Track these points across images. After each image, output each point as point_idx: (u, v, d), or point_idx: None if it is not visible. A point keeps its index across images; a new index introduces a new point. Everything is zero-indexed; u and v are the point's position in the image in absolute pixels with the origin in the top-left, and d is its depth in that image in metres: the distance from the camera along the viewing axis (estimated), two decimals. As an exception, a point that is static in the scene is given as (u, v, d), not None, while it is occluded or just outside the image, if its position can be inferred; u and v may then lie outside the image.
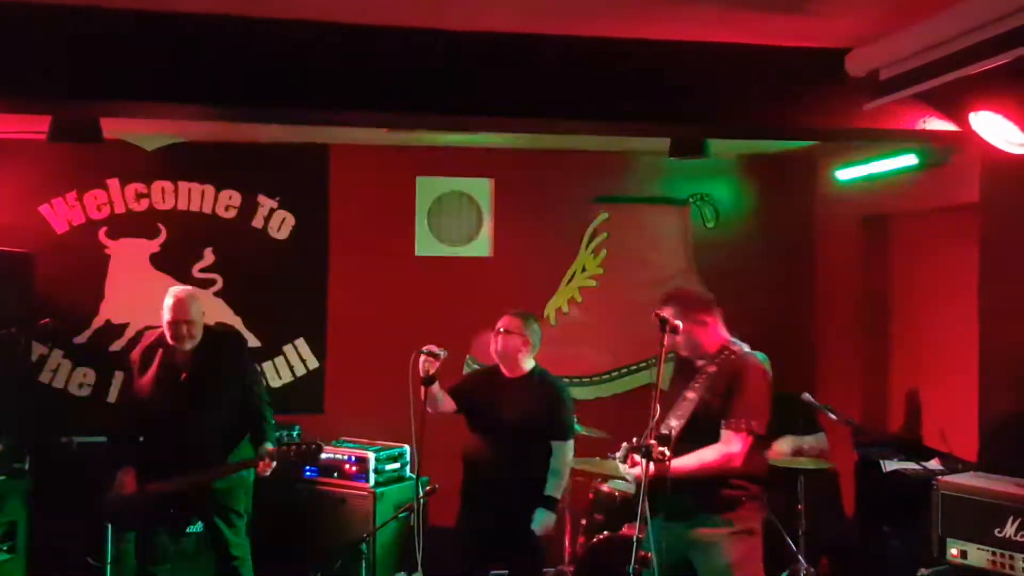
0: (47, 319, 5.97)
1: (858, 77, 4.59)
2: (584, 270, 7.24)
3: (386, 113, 4.62)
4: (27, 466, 5.84)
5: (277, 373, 6.85)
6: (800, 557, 5.45)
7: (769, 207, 7.40)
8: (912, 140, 5.40)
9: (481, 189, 7.11)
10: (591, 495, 5.94)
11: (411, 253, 7.03)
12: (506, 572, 5.12)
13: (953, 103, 4.50)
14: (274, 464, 5.00)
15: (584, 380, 7.22)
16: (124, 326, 6.61)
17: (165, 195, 6.73)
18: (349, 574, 5.95)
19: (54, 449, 6.10)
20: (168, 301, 5.08)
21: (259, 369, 5.78)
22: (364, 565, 5.88)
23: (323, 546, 6.09)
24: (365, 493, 6.10)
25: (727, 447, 4.02)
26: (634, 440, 3.97)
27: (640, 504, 3.81)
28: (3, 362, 5.79)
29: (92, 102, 4.45)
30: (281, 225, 6.86)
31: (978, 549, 4.06)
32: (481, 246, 7.12)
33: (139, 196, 6.69)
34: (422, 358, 4.77)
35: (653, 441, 3.84)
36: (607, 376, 7.24)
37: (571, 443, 5.01)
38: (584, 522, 5.89)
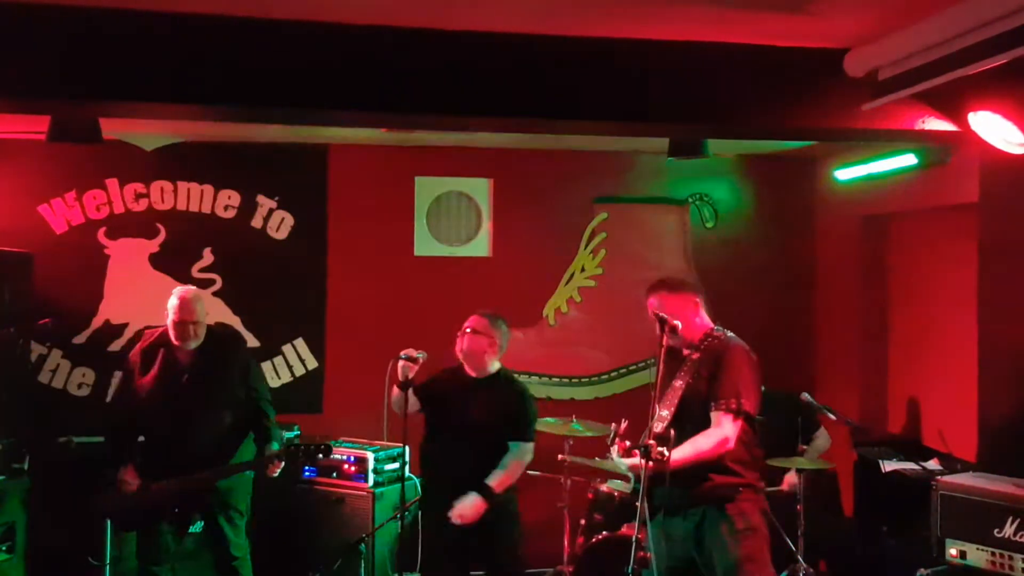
0: (46, 319, 5.98)
1: (857, 77, 4.60)
2: (583, 270, 7.24)
3: (385, 113, 4.62)
4: (26, 466, 5.84)
5: (276, 373, 6.84)
6: (799, 557, 5.45)
7: (768, 207, 7.40)
8: (911, 140, 5.40)
9: (480, 189, 7.11)
10: (590, 495, 5.95)
11: (410, 253, 7.02)
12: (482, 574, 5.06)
13: (952, 103, 4.51)
14: (283, 464, 5.00)
15: (583, 380, 7.23)
16: (123, 326, 6.61)
17: (164, 195, 6.72)
18: (348, 574, 5.96)
19: (53, 449, 6.09)
20: (173, 301, 5.08)
21: (261, 369, 5.78)
22: (363, 565, 5.88)
23: (322, 546, 6.10)
24: (364, 493, 6.10)
25: (719, 430, 4.02)
26: (623, 422, 3.99)
27: (639, 504, 3.82)
28: (2, 362, 5.79)
29: (91, 102, 4.45)
30: (280, 225, 6.86)
31: (977, 549, 4.07)
32: (480, 246, 7.12)
33: (138, 196, 6.68)
34: (400, 363, 4.79)
35: (652, 441, 3.84)
36: (606, 376, 7.25)
37: (529, 446, 4.92)
38: (583, 522, 5.90)
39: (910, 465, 5.59)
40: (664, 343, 4.06)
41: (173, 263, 6.67)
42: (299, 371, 6.88)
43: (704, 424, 4.05)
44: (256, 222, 6.82)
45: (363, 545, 5.81)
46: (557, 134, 5.91)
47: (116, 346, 6.59)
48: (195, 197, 6.76)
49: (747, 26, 4.30)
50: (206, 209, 6.77)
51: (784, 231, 7.40)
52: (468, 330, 4.95)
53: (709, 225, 7.35)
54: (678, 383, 4.17)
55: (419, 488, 5.43)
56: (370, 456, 6.14)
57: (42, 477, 5.93)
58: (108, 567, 5.88)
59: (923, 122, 4.73)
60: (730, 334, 4.27)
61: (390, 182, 7.00)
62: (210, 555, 5.24)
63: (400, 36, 4.35)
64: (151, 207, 6.70)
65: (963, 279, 5.47)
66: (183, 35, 4.21)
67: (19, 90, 4.19)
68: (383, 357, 4.90)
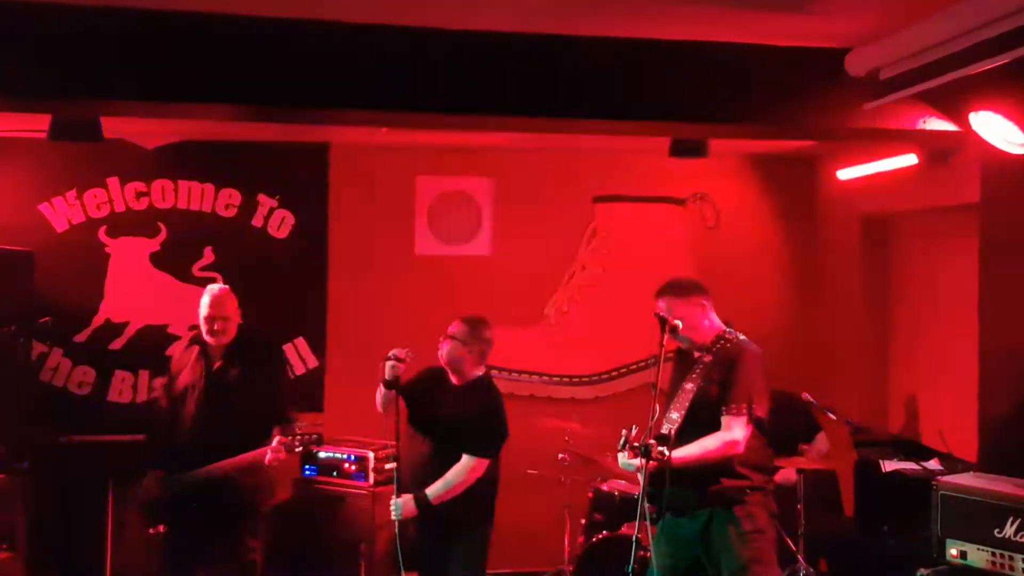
0: (47, 318, 5.98)
1: (858, 77, 4.60)
2: (584, 269, 7.24)
3: (385, 112, 4.62)
4: (26, 465, 5.84)
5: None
6: (799, 557, 5.45)
7: (769, 207, 7.40)
8: (912, 140, 5.40)
9: (481, 188, 7.11)
10: (590, 495, 5.95)
11: (411, 252, 7.03)
12: None
13: (953, 103, 4.51)
14: (281, 455, 4.97)
15: (583, 379, 7.23)
16: (124, 325, 6.61)
17: (165, 194, 6.72)
18: (348, 573, 5.96)
19: (54, 448, 6.09)
20: (205, 299, 5.15)
21: (287, 372, 5.78)
22: (363, 564, 5.88)
23: (322, 545, 6.10)
24: (364, 492, 6.10)
25: (729, 433, 4.02)
26: (633, 428, 3.94)
27: (639, 503, 3.82)
28: (3, 361, 5.79)
29: (92, 101, 4.45)
30: (281, 224, 6.86)
31: (977, 549, 4.06)
32: (481, 245, 7.12)
33: (139, 195, 6.68)
34: (388, 364, 4.76)
35: (652, 441, 3.84)
36: (606, 375, 7.25)
37: (476, 461, 4.68)
38: (584, 521, 5.90)
39: (910, 465, 5.58)
40: (664, 343, 4.06)
41: (174, 262, 6.68)
42: (299, 370, 6.88)
43: (714, 427, 4.05)
44: (257, 221, 6.83)
45: (363, 544, 5.81)
46: (556, 133, 5.90)
47: (117, 345, 6.60)
48: (196, 196, 6.76)
49: (748, 25, 4.30)
50: (207, 208, 6.77)
51: (785, 231, 7.40)
52: (447, 335, 4.87)
53: (710, 225, 7.35)
54: (689, 385, 4.17)
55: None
56: (370, 455, 6.14)
57: (43, 476, 5.92)
58: (109, 567, 5.89)
59: (924, 122, 4.74)
60: (742, 336, 4.26)
61: (391, 181, 7.00)
62: (223, 555, 5.21)
63: (400, 35, 4.36)
64: (152, 206, 6.70)
65: (964, 279, 5.47)
66: (183, 34, 4.21)
67: (20, 89, 4.19)
68: (384, 356, 4.90)
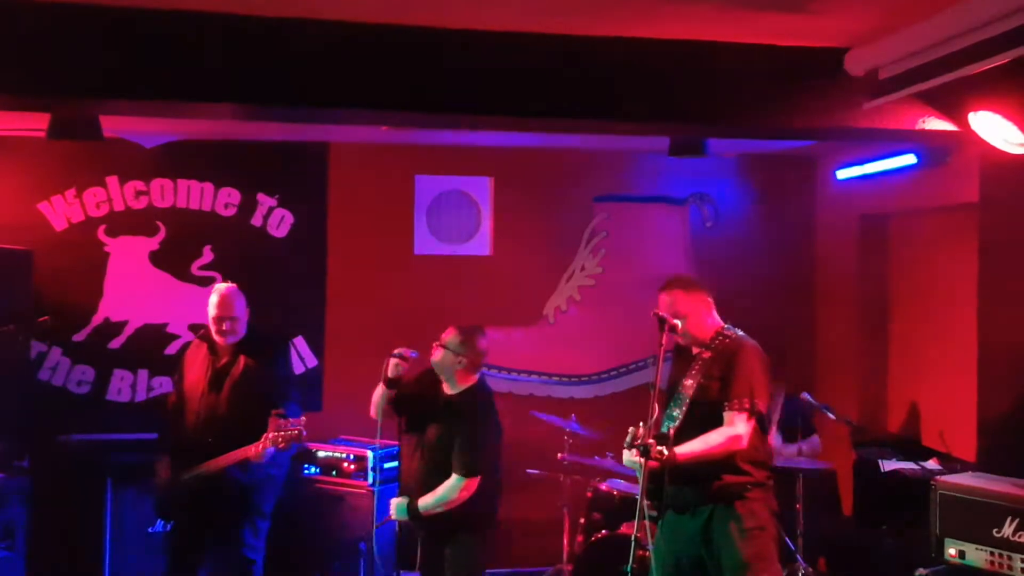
0: (46, 317, 5.97)
1: (857, 76, 4.59)
2: (583, 269, 7.25)
3: (384, 111, 4.62)
4: (26, 464, 5.84)
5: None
6: (798, 556, 5.45)
7: (768, 206, 7.40)
8: (911, 140, 5.40)
9: (480, 188, 7.11)
10: (589, 494, 5.95)
11: (410, 251, 7.03)
12: None
13: (952, 103, 4.50)
14: (266, 451, 4.96)
15: (583, 379, 7.23)
16: (123, 324, 6.61)
17: (164, 193, 6.72)
18: (348, 572, 5.96)
19: (53, 447, 6.09)
20: (213, 298, 5.16)
21: (293, 372, 5.76)
22: (363, 563, 5.88)
23: (322, 544, 6.10)
24: (364, 491, 6.11)
25: (732, 429, 4.01)
26: (640, 426, 3.92)
27: (639, 502, 3.82)
28: (2, 360, 5.78)
29: (91, 99, 4.45)
30: (280, 223, 6.86)
31: (976, 549, 4.06)
32: (480, 245, 7.12)
33: (138, 194, 6.68)
34: (392, 361, 4.74)
35: (652, 440, 3.84)
36: (606, 375, 7.25)
37: (467, 481, 4.57)
38: (583, 521, 5.90)
39: (909, 465, 5.59)
40: (664, 342, 4.06)
41: (173, 261, 6.67)
42: (299, 369, 6.87)
43: (715, 423, 4.05)
44: (256, 220, 6.82)
45: (363, 543, 5.81)
46: (554, 133, 5.90)
47: (116, 344, 6.60)
48: (195, 195, 6.76)
49: (747, 25, 4.30)
50: (206, 207, 6.77)
51: (784, 230, 7.39)
52: (439, 343, 4.78)
53: (709, 224, 7.35)
54: (688, 383, 4.17)
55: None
56: (370, 454, 6.14)
57: (42, 475, 5.92)
58: (108, 566, 5.89)
59: (923, 122, 4.73)
60: (740, 333, 4.26)
61: (390, 180, 7.00)
62: (223, 553, 5.21)
63: (400, 33, 4.35)
64: (151, 205, 6.70)
65: (963, 279, 5.47)
66: (184, 32, 4.21)
67: (19, 87, 4.19)
68: (383, 355, 4.90)
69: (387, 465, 6.20)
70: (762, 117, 4.78)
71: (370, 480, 6.13)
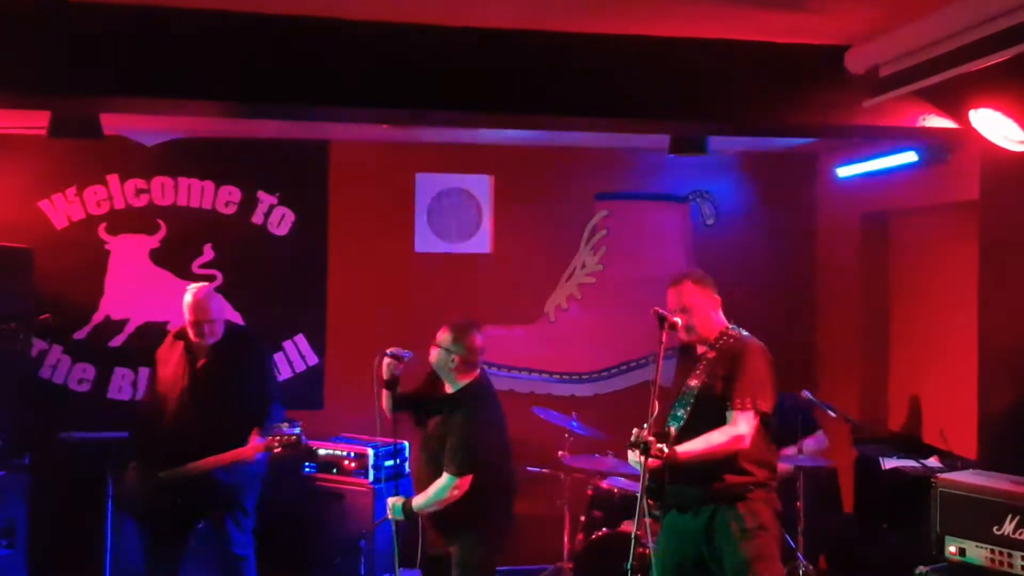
0: (47, 315, 5.97)
1: (858, 74, 4.59)
2: (584, 267, 7.24)
3: (384, 109, 4.62)
4: (27, 462, 5.84)
5: (277, 369, 6.84)
6: (799, 554, 5.45)
7: (769, 204, 7.39)
8: (912, 137, 5.40)
9: (481, 185, 7.11)
10: (590, 492, 5.95)
11: (411, 249, 7.02)
12: None
13: (953, 100, 4.50)
14: (257, 455, 4.96)
15: (584, 377, 7.23)
16: (124, 322, 6.62)
17: (165, 191, 6.72)
18: (348, 570, 5.97)
19: (54, 445, 6.10)
20: (187, 300, 5.12)
21: (274, 370, 5.75)
22: (363, 561, 5.88)
23: (323, 542, 6.10)
24: (364, 489, 6.11)
25: (735, 428, 4.00)
26: (644, 426, 3.90)
27: (639, 501, 3.81)
28: (3, 358, 5.79)
29: (92, 97, 4.45)
30: (281, 221, 6.86)
31: (976, 547, 4.06)
32: (481, 243, 7.11)
33: (139, 192, 6.68)
34: (386, 360, 4.71)
35: (652, 438, 3.84)
36: (606, 373, 7.25)
37: (457, 480, 4.52)
38: (583, 519, 5.90)
39: (910, 462, 5.59)
40: (664, 340, 4.05)
41: (174, 259, 6.67)
42: (299, 367, 6.89)
43: (719, 423, 4.04)
44: (257, 218, 6.83)
45: (363, 541, 5.81)
46: (555, 130, 5.90)
47: (117, 342, 6.60)
48: (196, 193, 6.76)
49: (748, 22, 4.30)
50: (207, 205, 6.77)
51: (785, 228, 7.39)
52: (434, 342, 4.74)
53: (710, 222, 7.35)
54: (693, 382, 4.16)
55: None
56: (370, 452, 6.15)
57: (43, 473, 5.93)
58: (108, 564, 5.89)
59: (924, 119, 4.73)
60: (745, 332, 4.25)
61: (391, 178, 7.00)
62: (213, 553, 5.23)
63: (400, 32, 4.35)
64: (152, 203, 6.70)
65: (964, 276, 5.47)
66: (184, 31, 4.21)
67: (20, 85, 4.20)
68: (376, 356, 4.89)
69: (387, 463, 6.21)
70: (763, 115, 4.77)
71: (371, 478, 6.13)
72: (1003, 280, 4.94)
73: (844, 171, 6.77)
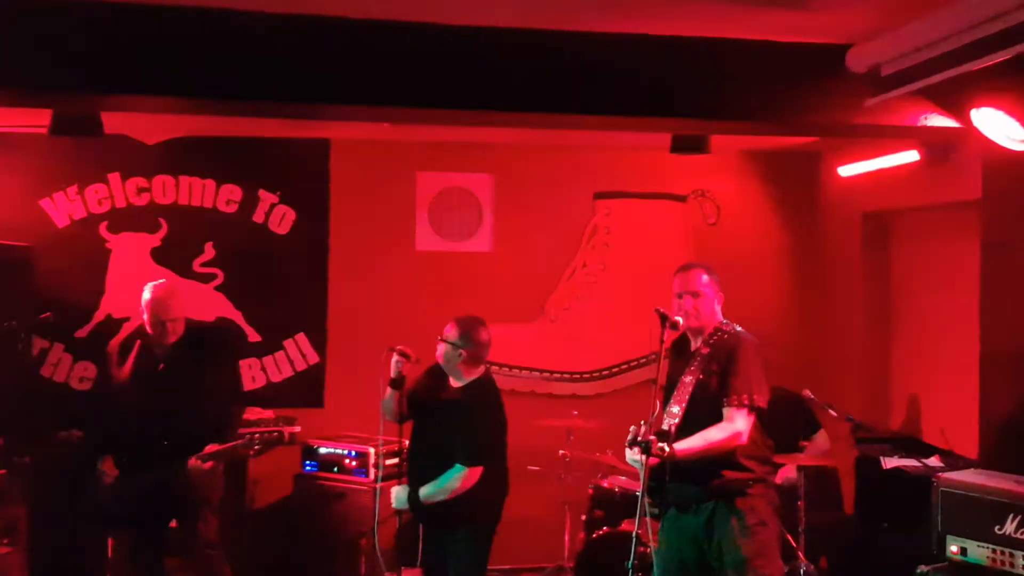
0: (48, 313, 5.97)
1: (859, 73, 4.59)
2: (585, 266, 7.24)
3: (385, 107, 4.62)
4: (27, 460, 5.84)
5: (277, 368, 6.85)
6: (800, 554, 5.45)
7: (770, 203, 7.39)
8: (914, 136, 5.40)
9: (482, 184, 7.11)
10: (590, 491, 5.95)
11: (412, 248, 7.03)
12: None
13: (955, 99, 4.50)
14: (209, 464, 4.92)
15: (585, 376, 7.23)
16: (125, 320, 6.60)
17: (166, 189, 6.72)
18: (349, 569, 5.97)
19: (55, 443, 6.10)
20: (145, 297, 5.03)
21: (236, 367, 5.66)
22: (364, 560, 5.88)
23: (324, 541, 6.10)
24: (365, 488, 6.11)
25: (732, 425, 4.00)
26: (642, 424, 3.91)
27: (640, 499, 3.81)
28: (4, 356, 5.79)
29: (93, 96, 4.45)
30: (282, 220, 6.86)
31: (978, 546, 4.05)
32: (482, 241, 7.11)
33: (140, 190, 6.69)
34: (394, 357, 4.76)
35: (653, 437, 3.84)
36: (607, 371, 7.25)
37: (468, 470, 4.60)
38: (584, 518, 5.90)
39: (911, 462, 5.57)
40: (665, 339, 4.05)
41: (175, 258, 6.67)
42: (300, 366, 6.89)
43: (715, 420, 4.03)
44: (258, 217, 6.83)
45: (364, 540, 5.81)
46: (557, 129, 5.90)
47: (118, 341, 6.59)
48: (197, 192, 6.76)
49: (750, 21, 4.30)
50: (208, 204, 6.77)
51: (786, 227, 7.39)
52: (440, 337, 4.82)
53: (711, 222, 7.35)
54: (688, 379, 4.16)
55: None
56: (371, 451, 6.15)
57: (44, 471, 5.93)
58: (108, 561, 5.89)
59: (926, 118, 4.73)
60: (738, 328, 4.25)
61: (392, 177, 7.00)
62: (186, 549, 5.20)
63: (400, 30, 4.36)
64: (153, 201, 6.70)
65: (965, 275, 5.46)
66: (184, 29, 4.21)
67: (20, 83, 4.20)
68: (384, 352, 4.91)
69: (389, 462, 6.20)
70: (764, 114, 4.77)
71: (372, 476, 6.13)
72: (1004, 279, 4.94)
73: (845, 170, 6.77)
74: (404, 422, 4.90)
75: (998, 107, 4.19)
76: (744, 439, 4.01)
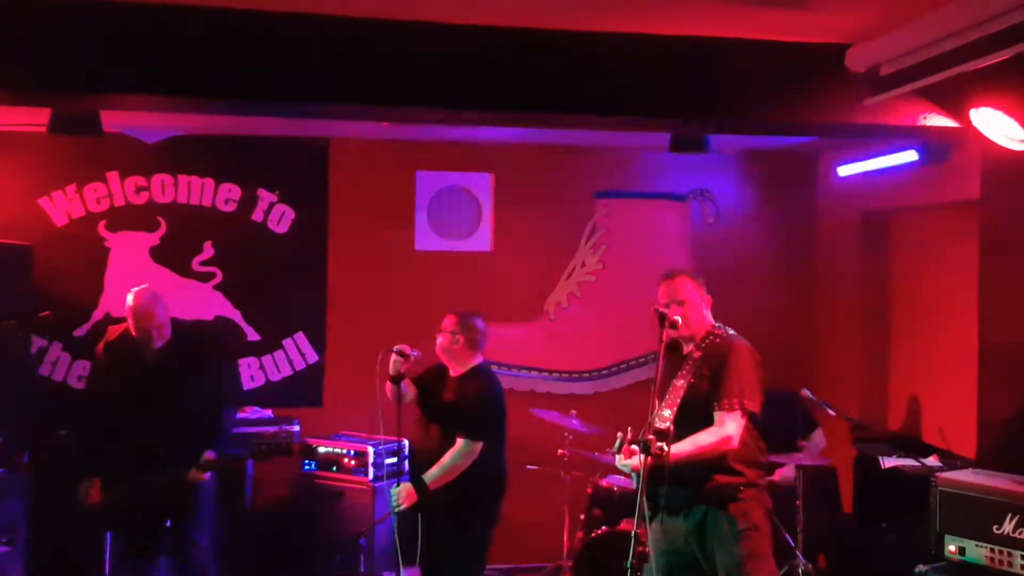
0: (46, 312, 5.97)
1: (859, 73, 4.59)
2: (584, 265, 7.24)
3: (386, 107, 4.62)
4: (26, 459, 5.84)
5: (276, 367, 6.85)
6: (798, 553, 5.45)
7: (769, 203, 7.39)
8: (913, 136, 5.40)
9: (481, 184, 7.11)
10: (589, 490, 5.95)
11: (411, 247, 7.02)
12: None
13: (954, 99, 4.50)
14: (208, 475, 4.96)
15: (583, 375, 7.23)
16: (123, 319, 6.58)
17: (165, 188, 6.72)
18: (348, 568, 5.97)
19: (53, 442, 6.09)
20: (128, 303, 5.02)
21: (233, 369, 5.67)
22: (363, 559, 5.89)
23: (322, 540, 6.10)
24: (364, 487, 6.11)
25: (722, 429, 3.99)
26: (628, 431, 3.94)
27: (638, 500, 3.81)
28: (3, 355, 5.78)
29: (92, 94, 4.45)
30: (281, 219, 6.85)
31: (976, 546, 4.06)
32: (481, 241, 7.11)
33: (139, 189, 6.68)
34: (392, 357, 4.87)
35: (651, 436, 3.83)
36: (606, 371, 7.25)
37: (472, 444, 4.80)
38: (583, 517, 5.90)
39: (909, 461, 5.58)
40: (664, 339, 4.05)
41: (174, 256, 6.67)
42: (299, 365, 6.88)
43: (707, 423, 4.03)
44: (257, 216, 6.82)
45: (363, 539, 5.81)
46: (555, 128, 5.90)
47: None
48: (196, 190, 6.76)
49: (749, 21, 4.30)
50: (207, 203, 6.77)
51: (785, 227, 7.39)
52: (440, 329, 5.04)
53: (710, 221, 7.35)
54: (680, 382, 4.15)
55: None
56: (370, 450, 6.15)
57: (42, 470, 5.92)
58: (108, 562, 5.89)
59: (925, 118, 4.73)
60: (731, 331, 4.25)
61: (391, 176, 6.99)
62: (178, 550, 5.20)
63: (399, 29, 4.35)
64: (152, 200, 6.70)
65: (964, 275, 5.47)
66: (184, 28, 4.21)
67: (19, 82, 4.19)
68: (383, 352, 4.92)
69: (387, 461, 6.21)
70: (763, 113, 4.77)
71: (370, 476, 6.13)
72: (1003, 279, 4.95)
73: (845, 170, 6.76)
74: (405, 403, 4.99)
75: (997, 107, 4.19)
76: (735, 443, 4.00)
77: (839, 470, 6.39)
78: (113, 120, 5.41)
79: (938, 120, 4.72)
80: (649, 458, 3.78)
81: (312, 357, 6.91)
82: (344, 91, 4.46)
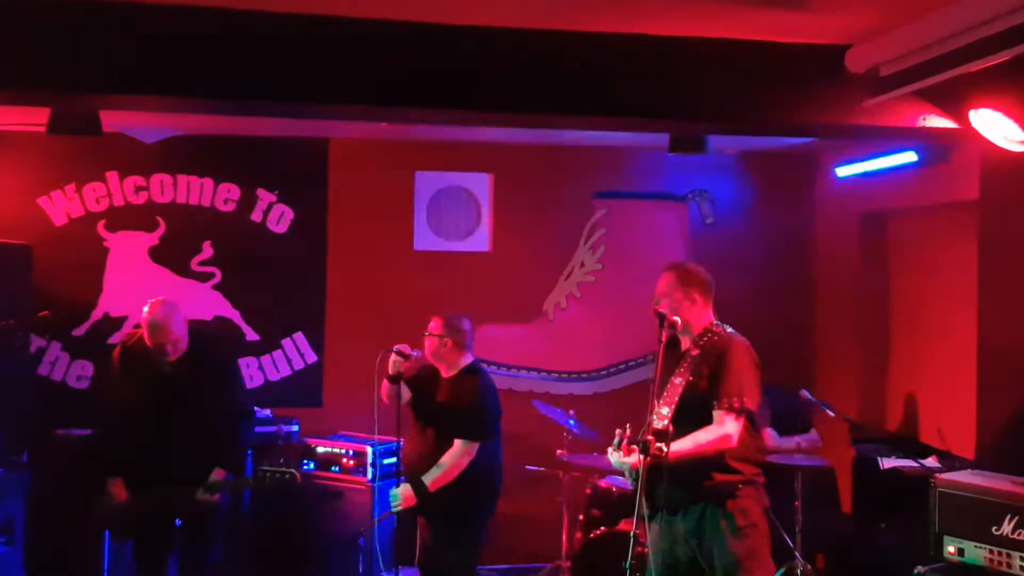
0: (45, 311, 5.96)
1: (858, 73, 4.59)
2: (582, 265, 7.24)
3: (382, 108, 4.62)
4: (25, 458, 5.84)
5: (275, 367, 6.85)
6: (797, 554, 5.45)
7: (768, 203, 7.39)
8: (912, 137, 5.40)
9: (480, 184, 7.11)
10: (588, 490, 5.95)
11: (410, 247, 7.02)
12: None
13: (953, 100, 4.50)
14: (216, 497, 4.95)
15: (582, 375, 7.23)
16: (122, 319, 6.61)
17: (164, 188, 6.72)
18: (347, 568, 5.97)
19: (52, 442, 6.09)
20: (145, 318, 4.94)
21: (240, 377, 5.66)
22: (362, 559, 5.88)
23: (321, 540, 6.10)
24: (363, 487, 6.11)
25: (721, 428, 3.99)
26: (627, 428, 3.94)
27: (637, 499, 3.81)
28: (1, 355, 5.78)
29: (91, 95, 4.44)
30: (280, 219, 6.85)
31: (975, 547, 4.06)
32: (480, 241, 7.11)
33: (138, 189, 6.68)
34: (392, 357, 4.90)
35: (651, 436, 3.83)
36: (605, 371, 7.25)
37: (470, 444, 4.84)
38: (581, 517, 5.90)
39: (908, 462, 5.58)
40: (663, 339, 4.05)
41: (173, 256, 6.68)
42: (298, 365, 6.89)
43: (705, 422, 4.02)
44: (256, 216, 6.82)
45: (362, 539, 5.81)
46: (554, 129, 5.90)
47: (115, 339, 6.58)
48: (195, 190, 6.76)
49: (749, 22, 4.30)
50: (206, 202, 6.77)
51: (784, 228, 7.39)
52: (426, 333, 5.07)
53: (709, 221, 7.35)
54: (678, 380, 4.14)
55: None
56: (369, 450, 6.15)
57: (41, 470, 5.92)
58: (107, 562, 5.89)
59: (924, 119, 4.73)
60: (730, 329, 4.24)
61: (390, 176, 7.00)
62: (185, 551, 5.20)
63: (399, 29, 4.35)
64: (151, 200, 6.70)
65: (963, 276, 5.47)
66: (184, 28, 4.21)
67: (20, 82, 4.19)
68: (382, 352, 4.93)
69: (386, 461, 6.21)
70: (763, 114, 4.77)
71: (369, 476, 6.13)
72: (1002, 280, 4.95)
73: (843, 171, 6.77)
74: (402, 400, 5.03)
75: (996, 108, 4.20)
76: (734, 442, 4.00)
77: (838, 471, 6.39)
78: (112, 120, 5.40)
79: (937, 121, 4.72)
80: (648, 458, 3.79)
81: (311, 357, 6.91)
82: (344, 91, 4.46)
